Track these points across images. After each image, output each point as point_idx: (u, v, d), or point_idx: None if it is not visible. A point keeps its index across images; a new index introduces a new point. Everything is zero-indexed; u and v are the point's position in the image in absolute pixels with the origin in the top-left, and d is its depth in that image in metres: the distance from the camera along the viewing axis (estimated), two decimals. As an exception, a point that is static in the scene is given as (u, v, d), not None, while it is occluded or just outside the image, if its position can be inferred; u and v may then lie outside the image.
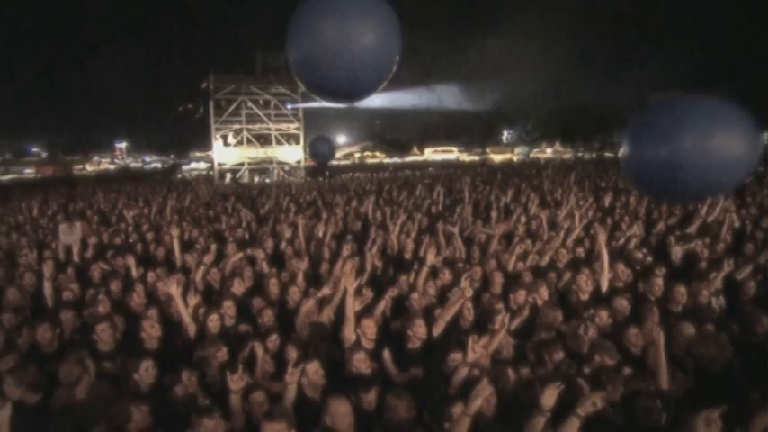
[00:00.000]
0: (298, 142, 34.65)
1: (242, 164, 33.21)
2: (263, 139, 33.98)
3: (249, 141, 33.40)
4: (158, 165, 50.64)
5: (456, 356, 3.13)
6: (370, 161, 62.83)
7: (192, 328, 3.81)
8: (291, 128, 34.21)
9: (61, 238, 5.93)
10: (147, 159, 52.76)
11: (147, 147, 52.43)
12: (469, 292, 3.93)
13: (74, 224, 6.13)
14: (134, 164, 49.48)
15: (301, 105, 34.11)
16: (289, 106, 33.79)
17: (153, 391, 3.02)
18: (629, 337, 3.44)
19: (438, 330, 3.71)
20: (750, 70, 38.97)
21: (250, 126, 33.14)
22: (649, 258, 5.63)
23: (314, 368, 3.05)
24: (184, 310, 3.80)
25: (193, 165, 46.32)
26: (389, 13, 3.13)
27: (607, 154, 48.77)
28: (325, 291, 4.18)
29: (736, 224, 7.20)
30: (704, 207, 7.31)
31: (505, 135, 72.30)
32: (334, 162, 46.93)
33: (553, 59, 49.49)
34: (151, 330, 3.71)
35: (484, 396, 2.38)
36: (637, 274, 5.02)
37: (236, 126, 32.94)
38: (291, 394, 2.82)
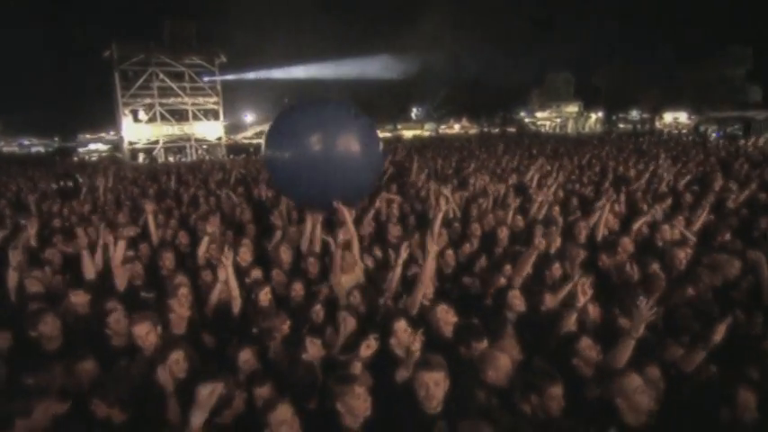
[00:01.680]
0: (217, 118, 32.77)
1: (156, 142, 30.56)
2: (179, 115, 31.55)
3: (163, 117, 30.77)
4: (40, 149, 43.78)
5: (550, 298, 3.34)
6: (284, 139, 61.33)
7: (238, 304, 3.44)
8: (209, 102, 32.19)
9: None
10: (26, 143, 45.29)
11: (25, 128, 44.85)
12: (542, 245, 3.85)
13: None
14: (7, 148, 42.02)
15: (219, 78, 32.22)
16: (206, 79, 31.68)
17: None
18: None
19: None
20: (629, 55, 45.54)
21: (163, 100, 30.51)
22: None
23: (402, 326, 2.89)
24: (235, 285, 3.43)
25: (92, 146, 41.05)
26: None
27: (509, 129, 53.48)
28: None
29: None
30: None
31: (414, 111, 74.79)
32: (246, 140, 45.16)
33: (459, 37, 52.27)
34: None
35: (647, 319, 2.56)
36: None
37: (148, 100, 30.11)
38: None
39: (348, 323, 3.15)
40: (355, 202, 4.86)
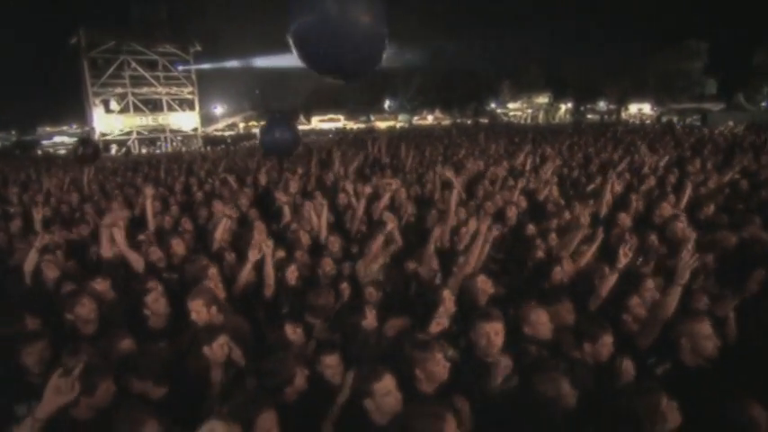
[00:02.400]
0: (192, 108, 32.01)
1: (130, 133, 29.62)
2: (152, 105, 30.64)
3: (136, 108, 29.82)
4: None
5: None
6: (255, 131, 60.37)
7: (271, 287, 3.49)
8: (184, 92, 31.40)
9: None
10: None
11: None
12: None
13: None
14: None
15: (194, 67, 31.44)
16: (180, 67, 30.85)
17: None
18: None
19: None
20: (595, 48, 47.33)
21: (136, 90, 29.54)
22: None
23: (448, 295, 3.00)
24: (272, 270, 3.47)
25: (57, 139, 39.13)
26: None
27: (481, 120, 54.50)
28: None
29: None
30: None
31: (388, 103, 74.93)
32: (218, 133, 44.36)
33: (431, 28, 52.69)
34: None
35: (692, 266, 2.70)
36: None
37: (120, 90, 29.08)
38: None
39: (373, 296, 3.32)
40: None
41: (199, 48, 31.17)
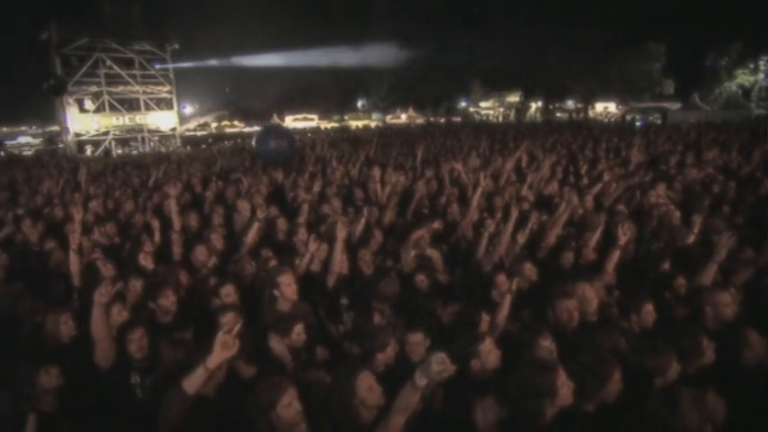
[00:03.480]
0: (170, 107, 31.30)
1: (106, 133, 28.67)
2: (129, 104, 29.76)
3: (112, 107, 28.87)
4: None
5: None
6: (229, 131, 59.25)
7: (335, 276, 3.63)
8: (162, 91, 30.62)
9: None
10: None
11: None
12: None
13: None
14: None
15: (171, 66, 30.75)
16: (157, 66, 30.09)
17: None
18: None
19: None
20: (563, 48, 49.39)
21: (112, 89, 28.58)
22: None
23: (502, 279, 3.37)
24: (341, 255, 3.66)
25: (22, 139, 37.09)
26: None
27: (454, 119, 55.58)
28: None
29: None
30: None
31: (360, 102, 74.98)
32: (190, 132, 43.40)
33: (402, 27, 53.38)
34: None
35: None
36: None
37: (94, 88, 28.07)
38: None
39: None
40: None
41: (177, 46, 30.53)
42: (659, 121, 35.18)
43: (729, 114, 31.95)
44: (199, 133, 52.57)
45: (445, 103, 63.50)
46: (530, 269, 3.62)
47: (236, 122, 62.41)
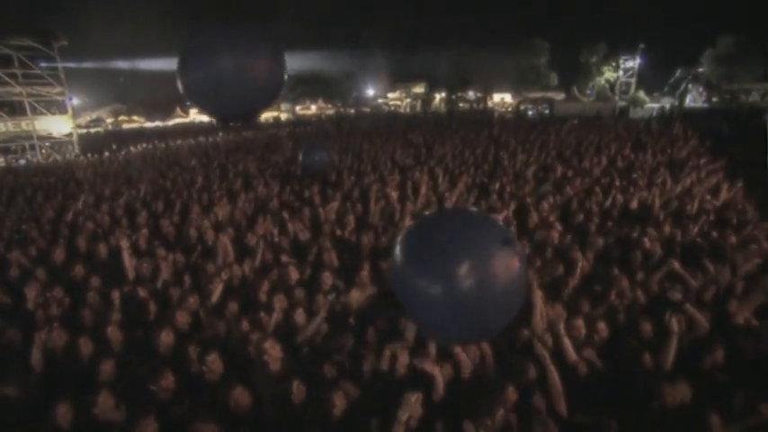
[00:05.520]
0: (64, 110, 28.40)
1: (-14, 142, 25.35)
2: (10, 107, 26.47)
3: (-9, 112, 25.53)
4: None
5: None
6: (127, 126, 54.44)
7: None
8: (52, 92, 27.59)
9: None
10: None
11: None
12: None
13: None
14: None
15: (60, 64, 27.80)
16: (43, 65, 27.00)
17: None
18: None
19: None
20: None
21: (-12, 91, 25.23)
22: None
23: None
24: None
25: None
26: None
27: (364, 109, 56.73)
28: None
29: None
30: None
31: (268, 93, 72.30)
32: (82, 130, 39.71)
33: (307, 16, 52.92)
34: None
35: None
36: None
37: (-34, 91, 24.58)
38: None
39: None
40: None
41: (65, 42, 27.69)
42: (547, 111, 39.53)
43: (600, 106, 37.16)
44: (92, 130, 47.84)
45: (354, 94, 64.15)
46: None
47: (134, 117, 57.27)
